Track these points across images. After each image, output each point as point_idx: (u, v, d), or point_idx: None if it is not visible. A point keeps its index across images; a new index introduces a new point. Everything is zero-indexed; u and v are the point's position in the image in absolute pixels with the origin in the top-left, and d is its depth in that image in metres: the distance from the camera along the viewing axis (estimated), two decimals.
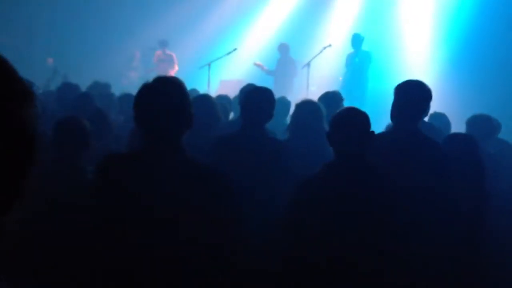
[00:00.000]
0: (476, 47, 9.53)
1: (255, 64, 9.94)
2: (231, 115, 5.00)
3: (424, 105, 3.10)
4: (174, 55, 10.74)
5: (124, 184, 1.84)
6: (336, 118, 2.56)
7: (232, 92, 5.82)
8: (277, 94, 6.55)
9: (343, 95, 7.84)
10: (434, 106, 4.82)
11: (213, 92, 8.54)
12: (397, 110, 3.04)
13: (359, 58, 9.03)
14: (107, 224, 1.82)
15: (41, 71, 10.66)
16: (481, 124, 4.51)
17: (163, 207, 1.81)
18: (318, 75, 9.93)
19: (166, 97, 1.90)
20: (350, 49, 9.33)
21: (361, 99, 8.75)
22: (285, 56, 9.87)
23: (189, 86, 6.03)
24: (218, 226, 1.86)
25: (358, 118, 2.51)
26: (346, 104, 8.99)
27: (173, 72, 10.52)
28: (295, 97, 8.06)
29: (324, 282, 2.37)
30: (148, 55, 11.21)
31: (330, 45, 8.73)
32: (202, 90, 8.24)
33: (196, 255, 1.82)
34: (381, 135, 3.23)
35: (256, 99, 3.18)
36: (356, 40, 9.10)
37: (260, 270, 2.54)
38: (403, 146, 2.96)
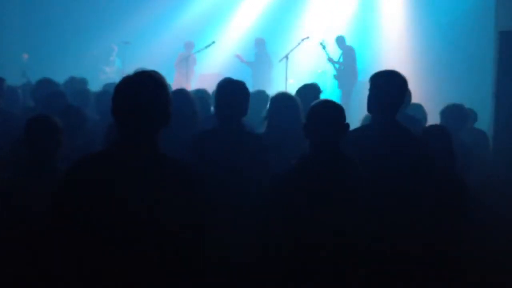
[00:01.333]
0: (451, 39, 9.66)
1: (236, 56, 9.98)
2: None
3: (400, 94, 3.06)
4: (195, 56, 10.44)
5: (94, 184, 1.81)
6: (311, 111, 2.59)
7: (211, 85, 5.79)
8: (256, 87, 6.57)
9: (336, 88, 8.14)
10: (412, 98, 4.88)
11: (192, 86, 8.53)
12: (374, 101, 3.02)
13: (345, 54, 9.52)
14: (78, 224, 1.79)
15: (16, 67, 10.49)
16: (455, 114, 4.59)
17: (135, 205, 1.80)
18: (297, 68, 9.98)
19: (144, 91, 1.87)
20: (333, 46, 9.54)
21: (349, 92, 9.13)
22: (261, 50, 9.99)
23: (167, 80, 5.94)
24: (192, 223, 1.85)
25: (333, 110, 2.54)
26: (337, 96, 9.42)
27: (191, 74, 10.26)
28: (274, 90, 8.12)
29: (302, 274, 2.39)
30: (124, 48, 11.05)
31: (308, 38, 8.77)
32: (180, 83, 8.23)
33: (170, 251, 1.81)
34: (361, 128, 3.24)
35: (230, 93, 3.14)
36: (340, 41, 9.62)
37: (238, 265, 2.56)
38: (382, 139, 2.94)
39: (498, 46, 5.22)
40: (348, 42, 9.70)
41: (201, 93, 5.07)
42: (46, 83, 5.09)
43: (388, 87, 3.01)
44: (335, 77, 9.61)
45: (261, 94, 5.02)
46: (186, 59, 9.69)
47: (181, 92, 3.84)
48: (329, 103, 2.60)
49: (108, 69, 11.08)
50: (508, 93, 4.93)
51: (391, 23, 10.72)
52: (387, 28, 10.75)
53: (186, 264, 1.83)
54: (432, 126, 3.60)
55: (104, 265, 1.77)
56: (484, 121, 5.89)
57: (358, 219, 2.40)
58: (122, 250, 1.78)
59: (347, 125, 2.57)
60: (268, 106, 3.83)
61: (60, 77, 6.12)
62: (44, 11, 11.63)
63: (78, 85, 5.86)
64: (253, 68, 9.96)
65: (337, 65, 9.52)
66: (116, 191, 1.80)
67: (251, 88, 5.44)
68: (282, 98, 3.77)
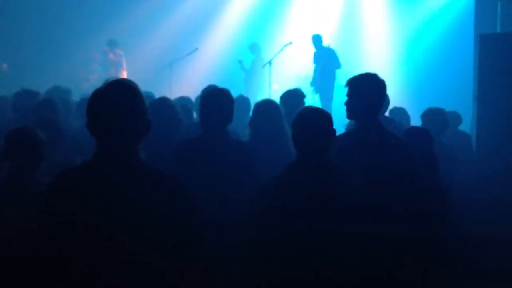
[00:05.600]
0: (432, 43, 9.77)
1: (238, 62, 9.96)
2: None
3: (381, 96, 3.04)
4: (122, 53, 10.60)
5: (76, 199, 1.77)
6: (297, 120, 2.54)
7: (195, 93, 5.77)
8: (249, 93, 6.56)
9: (314, 91, 8.05)
10: (394, 101, 4.93)
11: (175, 93, 8.49)
12: (355, 106, 2.97)
13: (324, 56, 9.21)
14: (61, 241, 1.76)
15: None
16: (435, 118, 4.62)
17: (118, 220, 1.76)
18: (280, 73, 10.01)
19: (119, 102, 1.82)
20: (311, 48, 9.47)
21: (329, 95, 8.99)
22: (258, 55, 9.97)
23: (150, 88, 5.89)
24: (176, 235, 1.82)
25: (319, 119, 2.50)
26: (315, 100, 9.24)
27: (124, 72, 10.38)
28: (265, 95, 8.13)
29: (291, 282, 2.37)
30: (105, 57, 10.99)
31: (290, 43, 8.79)
32: (164, 91, 8.20)
33: (153, 265, 1.77)
34: (346, 134, 3.22)
35: (215, 101, 3.12)
36: (316, 40, 9.30)
37: (224, 274, 2.53)
38: (368, 144, 2.92)
39: (478, 49, 5.28)
40: (332, 45, 9.61)
41: (184, 100, 5.04)
42: (29, 94, 4.98)
43: (369, 89, 2.98)
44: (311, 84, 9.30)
45: (242, 99, 5.01)
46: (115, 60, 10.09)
47: (164, 100, 3.81)
48: (316, 111, 2.55)
49: (91, 77, 11.00)
50: (489, 95, 4.99)
51: (372, 27, 10.81)
52: (368, 32, 10.83)
53: (171, 276, 1.80)
54: (413, 128, 3.62)
55: (87, 282, 1.73)
56: (466, 123, 5.95)
57: (345, 226, 2.39)
58: (107, 267, 1.74)
59: (334, 132, 2.54)
60: (251, 113, 3.81)
61: (40, 87, 6.04)
62: (23, 19, 11.49)
63: (62, 94, 5.75)
64: (248, 74, 9.93)
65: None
66: (98, 206, 1.76)
67: (244, 94, 5.45)
68: (264, 105, 3.76)
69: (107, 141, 1.83)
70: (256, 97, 9.01)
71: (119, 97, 1.84)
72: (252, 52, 10.09)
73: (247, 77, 9.95)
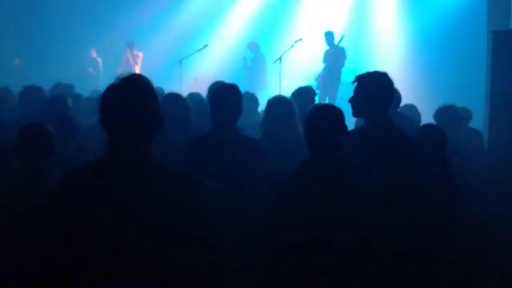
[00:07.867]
0: (444, 39, 9.68)
1: (244, 57, 10.03)
2: None
3: (391, 93, 3.03)
4: (141, 54, 10.65)
5: (89, 195, 1.77)
6: (309, 118, 2.52)
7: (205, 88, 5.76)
8: (251, 90, 6.60)
9: (318, 89, 8.06)
10: (405, 98, 4.89)
11: (185, 90, 8.51)
12: (364, 103, 2.96)
13: (333, 54, 9.19)
14: (71, 235, 1.76)
15: (8, 72, 10.45)
16: (449, 115, 4.58)
17: (130, 216, 1.76)
18: (290, 69, 9.99)
19: (132, 98, 1.81)
20: (323, 45, 9.44)
21: (334, 93, 8.97)
22: (257, 53, 9.99)
23: (160, 84, 5.93)
24: (185, 231, 1.82)
25: (332, 117, 2.48)
26: (320, 97, 9.20)
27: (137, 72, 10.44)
28: (269, 92, 8.13)
29: (303, 279, 2.36)
30: (116, 53, 11.01)
31: (301, 39, 8.76)
32: (174, 87, 8.22)
33: (164, 265, 1.77)
34: (355, 131, 3.20)
35: (223, 97, 3.12)
36: (328, 37, 9.26)
37: (236, 273, 2.53)
38: (379, 141, 2.91)
39: (491, 46, 5.22)
40: (342, 43, 9.56)
41: (195, 96, 5.03)
42: (35, 91, 4.99)
43: (379, 87, 2.97)
44: (316, 79, 9.35)
45: (251, 96, 5.00)
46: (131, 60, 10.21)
47: (174, 96, 3.81)
48: (327, 109, 2.53)
49: (94, 72, 11.05)
50: (502, 92, 4.93)
51: (383, 23, 10.74)
52: (379, 28, 10.76)
53: (181, 275, 1.79)
54: (427, 126, 3.57)
55: (96, 277, 1.73)
56: (478, 121, 5.90)
57: (357, 223, 2.37)
58: (117, 263, 1.74)
59: (346, 128, 2.52)
60: (264, 108, 3.79)
61: (51, 83, 6.08)
62: (35, 15, 11.57)
63: (65, 90, 5.76)
64: (249, 71, 9.96)
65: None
66: (110, 202, 1.76)
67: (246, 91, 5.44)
68: (279, 101, 3.74)
69: (120, 138, 1.83)
70: (256, 94, 8.99)
71: (132, 93, 1.83)
72: (250, 50, 10.12)
73: (248, 74, 9.98)
